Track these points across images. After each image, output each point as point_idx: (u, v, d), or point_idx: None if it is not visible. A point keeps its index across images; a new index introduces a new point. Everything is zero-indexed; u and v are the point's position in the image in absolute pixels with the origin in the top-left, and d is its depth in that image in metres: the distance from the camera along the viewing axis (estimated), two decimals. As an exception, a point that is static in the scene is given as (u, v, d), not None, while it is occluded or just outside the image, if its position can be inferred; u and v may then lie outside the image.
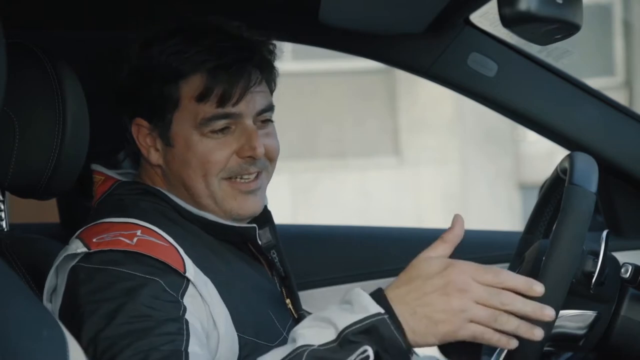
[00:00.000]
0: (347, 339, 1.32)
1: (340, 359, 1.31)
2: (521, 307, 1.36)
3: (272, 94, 1.71)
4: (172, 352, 1.40)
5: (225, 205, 1.64)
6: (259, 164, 1.64)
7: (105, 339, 1.41)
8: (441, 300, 1.34)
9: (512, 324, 1.36)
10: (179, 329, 1.44)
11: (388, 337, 1.32)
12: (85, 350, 1.40)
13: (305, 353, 1.32)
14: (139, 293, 1.45)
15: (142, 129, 1.65)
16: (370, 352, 1.31)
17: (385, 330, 1.32)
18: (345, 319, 1.33)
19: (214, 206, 1.64)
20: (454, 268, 1.38)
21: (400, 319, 1.33)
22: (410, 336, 1.34)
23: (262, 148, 1.62)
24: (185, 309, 1.47)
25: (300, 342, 1.33)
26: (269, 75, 1.68)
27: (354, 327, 1.32)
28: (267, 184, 1.70)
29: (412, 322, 1.33)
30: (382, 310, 1.32)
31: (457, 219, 1.44)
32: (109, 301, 1.45)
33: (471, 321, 1.35)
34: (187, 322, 1.45)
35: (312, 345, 1.32)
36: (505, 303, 1.35)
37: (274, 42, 1.68)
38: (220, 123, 1.61)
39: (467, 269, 1.37)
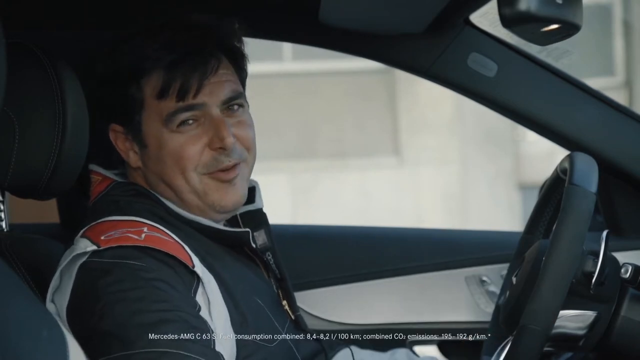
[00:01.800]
0: None
1: None
2: None
3: (243, 80, 1.69)
4: (208, 349, 1.42)
5: (208, 199, 1.63)
6: (234, 154, 1.63)
7: (138, 325, 1.42)
8: None
9: None
10: (205, 325, 1.45)
11: None
12: (110, 336, 1.42)
13: None
14: (159, 284, 1.46)
15: (119, 134, 1.66)
16: None
17: None
18: None
19: (198, 201, 1.63)
20: None
21: None
22: None
23: (231, 138, 1.60)
24: (200, 308, 1.48)
25: None
26: (233, 61, 1.67)
27: None
28: (248, 175, 1.69)
29: None
30: None
31: None
32: (134, 290, 1.45)
33: None
34: (204, 320, 1.47)
35: None
36: None
37: (234, 22, 1.66)
38: (184, 115, 1.60)
39: None
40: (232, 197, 1.65)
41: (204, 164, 1.62)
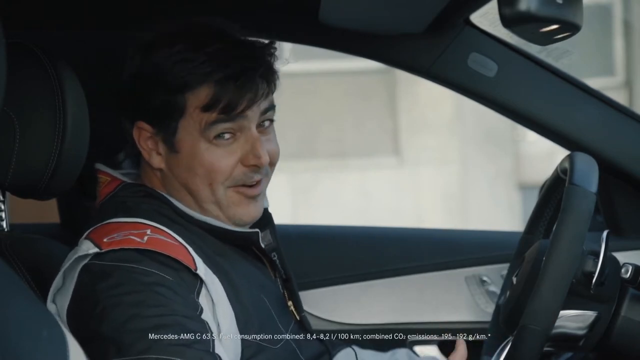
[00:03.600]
0: None
1: None
2: None
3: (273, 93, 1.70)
4: (204, 353, 1.42)
5: (230, 212, 1.64)
6: (262, 171, 1.64)
7: (134, 331, 1.42)
8: None
9: None
10: (204, 328, 1.45)
11: None
12: (106, 341, 1.42)
13: None
14: (159, 288, 1.46)
15: (144, 132, 1.64)
16: None
17: None
18: None
19: (218, 212, 1.64)
20: None
21: None
22: None
23: (267, 156, 1.61)
24: (202, 310, 1.48)
25: None
26: (268, 76, 1.66)
27: None
28: (266, 188, 1.70)
29: None
30: None
31: (459, 343, 1.61)
32: (131, 294, 1.45)
33: None
34: (206, 322, 1.47)
35: None
36: None
37: (275, 45, 1.67)
38: (224, 126, 1.59)
39: None
40: (253, 212, 1.66)
41: (233, 178, 1.62)
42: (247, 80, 1.58)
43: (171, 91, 1.59)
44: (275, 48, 1.67)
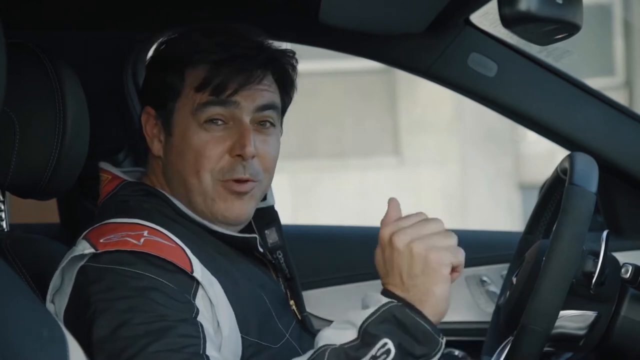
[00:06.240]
0: (367, 332, 1.38)
1: (362, 355, 1.37)
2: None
3: (285, 106, 1.71)
4: (193, 355, 1.41)
5: (214, 207, 1.63)
6: (250, 169, 1.62)
7: (123, 338, 1.42)
8: (409, 260, 1.46)
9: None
10: (196, 331, 1.44)
11: (410, 323, 1.38)
12: (96, 347, 1.42)
13: (327, 351, 1.38)
14: (151, 293, 1.46)
15: (150, 118, 1.67)
16: (391, 345, 1.37)
17: (403, 315, 1.38)
18: (362, 315, 1.40)
19: (203, 205, 1.63)
20: (392, 236, 1.52)
21: (410, 300, 1.40)
22: (429, 312, 1.40)
23: (252, 148, 1.60)
24: (198, 311, 1.48)
25: (322, 343, 1.40)
26: (281, 84, 1.68)
27: (371, 319, 1.38)
28: (260, 196, 1.69)
29: (416, 297, 1.41)
30: (393, 300, 1.40)
31: (391, 201, 1.56)
32: (122, 300, 1.45)
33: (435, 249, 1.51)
34: (201, 324, 1.46)
35: (334, 345, 1.39)
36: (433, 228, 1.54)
37: (292, 52, 1.69)
38: (215, 110, 1.61)
39: (397, 226, 1.52)
40: (237, 210, 1.64)
41: (220, 169, 1.61)
42: (242, 65, 1.61)
43: (170, 70, 1.63)
44: (295, 59, 1.70)
